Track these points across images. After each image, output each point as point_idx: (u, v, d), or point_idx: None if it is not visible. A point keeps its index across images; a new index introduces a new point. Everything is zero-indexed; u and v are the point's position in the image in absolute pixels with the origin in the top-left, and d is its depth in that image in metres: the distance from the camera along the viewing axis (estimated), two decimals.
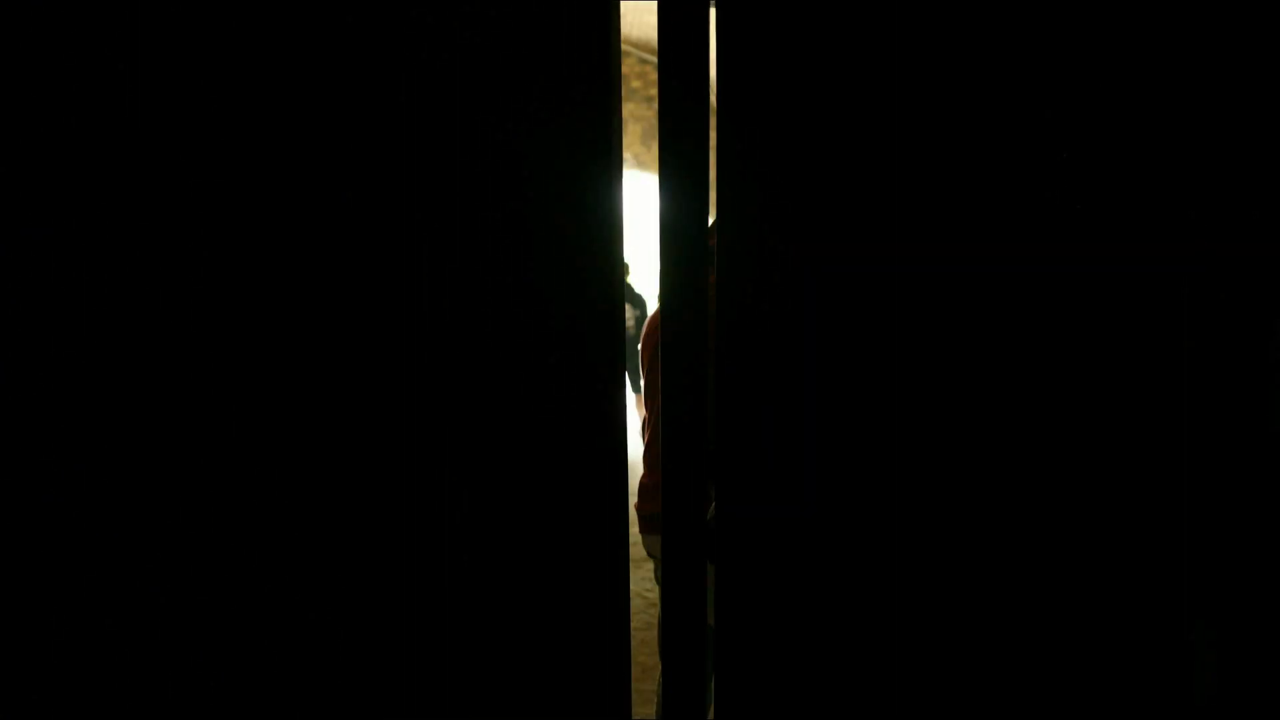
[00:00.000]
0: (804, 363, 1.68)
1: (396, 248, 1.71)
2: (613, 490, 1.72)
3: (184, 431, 1.85)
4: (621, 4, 2.97)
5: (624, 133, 8.64)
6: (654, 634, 3.85)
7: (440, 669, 1.79)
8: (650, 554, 2.96)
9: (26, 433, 1.83)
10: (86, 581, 1.87)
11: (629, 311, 10.88)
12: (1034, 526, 1.87)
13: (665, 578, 1.75)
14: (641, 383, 8.99)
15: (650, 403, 2.94)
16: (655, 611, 4.19)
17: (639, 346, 8.51)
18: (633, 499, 8.20)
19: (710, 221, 3.68)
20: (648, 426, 2.99)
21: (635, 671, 3.80)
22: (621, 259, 1.76)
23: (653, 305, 15.35)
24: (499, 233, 1.69)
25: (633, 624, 4.14)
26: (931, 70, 1.68)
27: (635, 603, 4.34)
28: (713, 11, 5.20)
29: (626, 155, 10.80)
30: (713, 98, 11.44)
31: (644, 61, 8.62)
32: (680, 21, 1.62)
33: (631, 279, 12.42)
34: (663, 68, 1.65)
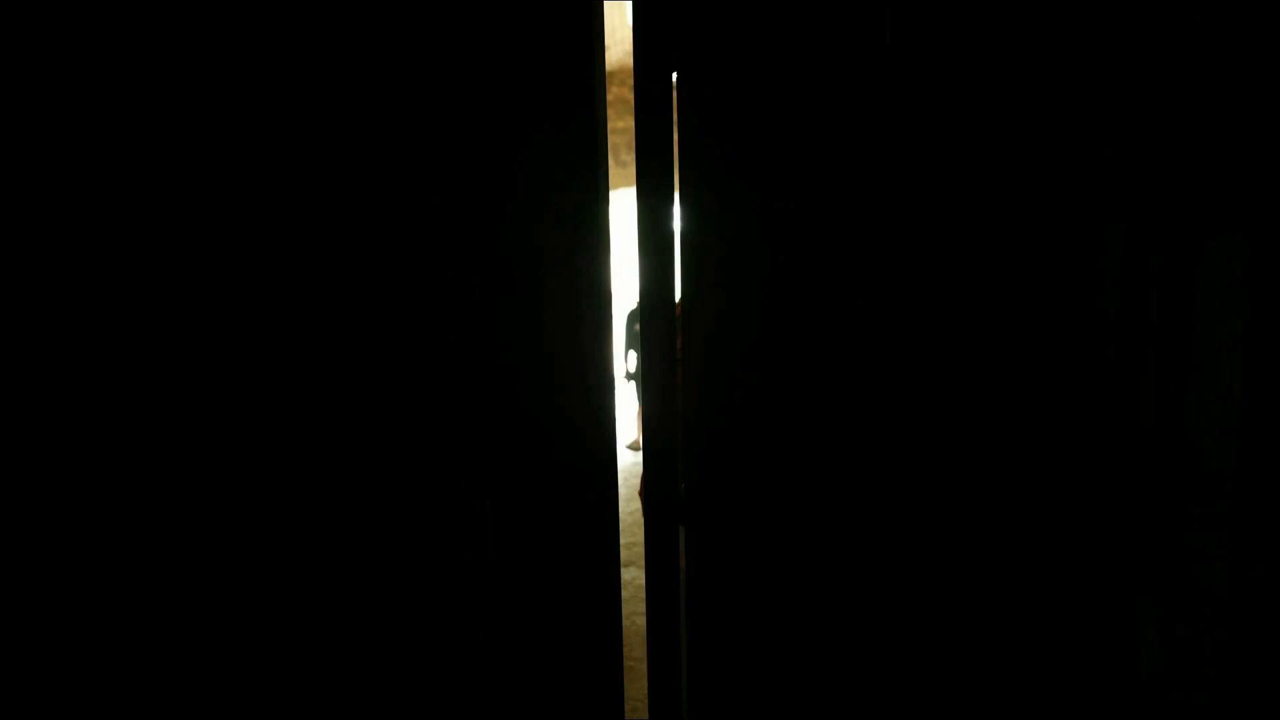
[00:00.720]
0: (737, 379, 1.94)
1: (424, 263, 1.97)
2: (605, 478, 1.97)
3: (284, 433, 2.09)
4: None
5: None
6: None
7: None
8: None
9: (27, 432, 1.95)
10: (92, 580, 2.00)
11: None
12: (983, 506, 2.13)
13: (648, 539, 2.01)
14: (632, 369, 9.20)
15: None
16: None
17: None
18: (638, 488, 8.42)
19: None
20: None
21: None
22: (608, 267, 2.01)
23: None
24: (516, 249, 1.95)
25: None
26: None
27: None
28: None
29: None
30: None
31: (623, 84, 8.95)
32: (651, 113, 1.88)
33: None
34: (639, 131, 1.91)
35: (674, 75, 1.89)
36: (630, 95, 8.09)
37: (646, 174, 1.92)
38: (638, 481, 8.13)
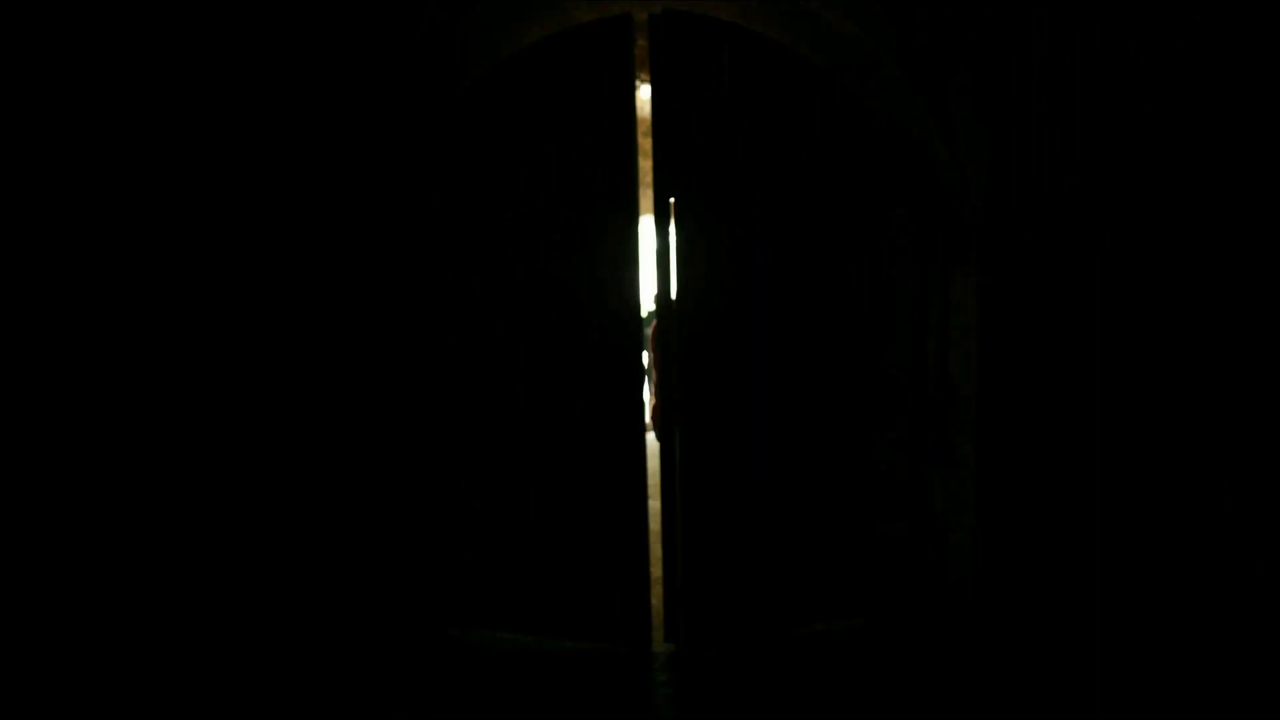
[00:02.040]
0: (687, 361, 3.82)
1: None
2: (629, 460, 3.84)
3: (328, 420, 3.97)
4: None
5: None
6: None
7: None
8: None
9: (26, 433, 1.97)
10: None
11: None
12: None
13: (662, 448, 3.88)
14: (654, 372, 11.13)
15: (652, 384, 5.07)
16: None
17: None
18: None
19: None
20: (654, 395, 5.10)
21: None
22: (636, 292, 3.88)
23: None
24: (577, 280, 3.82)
25: None
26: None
27: None
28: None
29: None
30: None
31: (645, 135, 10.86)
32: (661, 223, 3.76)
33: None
34: (658, 227, 3.79)
35: (671, 200, 3.75)
36: (646, 143, 10.02)
37: (660, 261, 3.81)
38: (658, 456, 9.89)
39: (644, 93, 4.78)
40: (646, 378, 11.11)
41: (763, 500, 3.99)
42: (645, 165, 5.65)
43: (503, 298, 3.88)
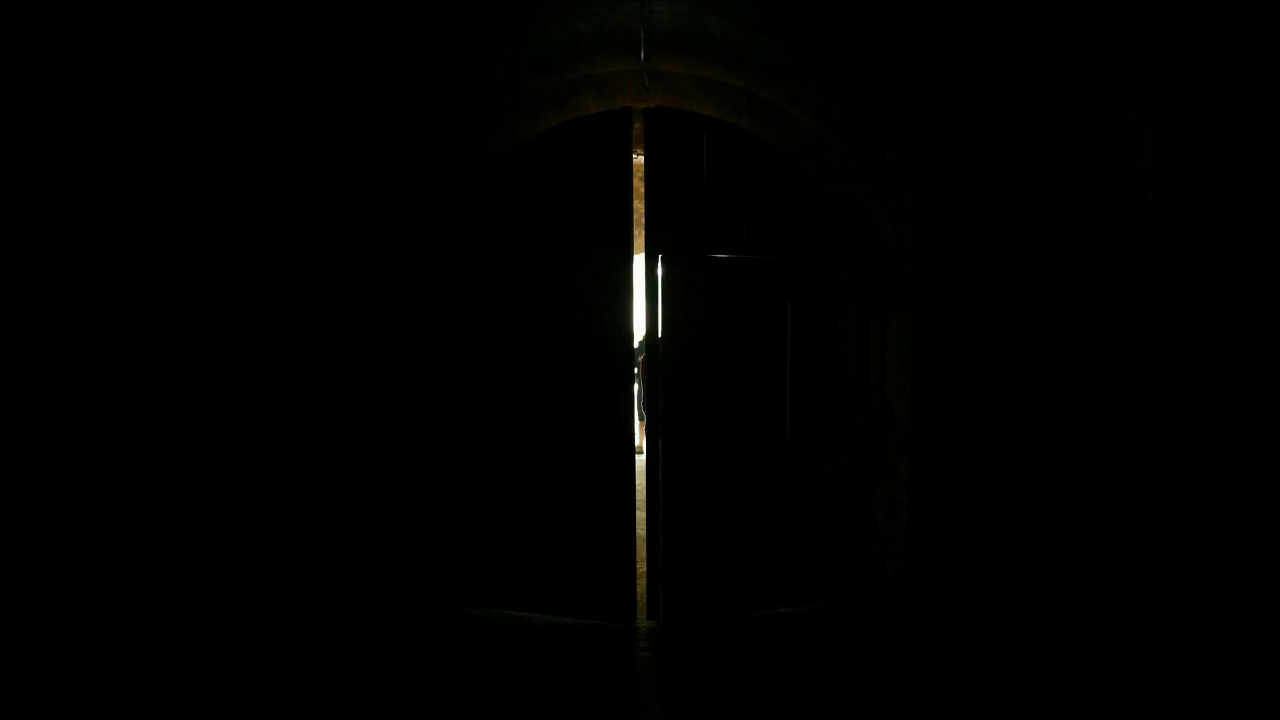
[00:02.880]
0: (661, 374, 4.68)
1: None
2: (621, 453, 4.67)
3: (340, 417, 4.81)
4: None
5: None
6: None
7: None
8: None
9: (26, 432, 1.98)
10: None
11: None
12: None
13: (647, 457, 4.71)
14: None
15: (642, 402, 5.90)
16: None
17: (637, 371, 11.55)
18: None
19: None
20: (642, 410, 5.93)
21: None
22: (630, 328, 4.73)
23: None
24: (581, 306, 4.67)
25: None
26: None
27: None
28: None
29: None
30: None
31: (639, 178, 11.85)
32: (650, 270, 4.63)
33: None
34: (648, 274, 4.67)
35: (658, 255, 4.62)
36: (640, 185, 10.79)
37: (649, 296, 4.68)
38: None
39: (639, 158, 5.68)
40: (637, 404, 11.98)
41: (733, 502, 4.81)
42: (641, 218, 6.54)
43: (517, 331, 4.73)
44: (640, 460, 11.82)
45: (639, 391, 12.37)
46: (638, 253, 6.88)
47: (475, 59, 3.94)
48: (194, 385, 3.06)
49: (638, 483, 7.72)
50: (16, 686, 2.09)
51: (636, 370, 11.70)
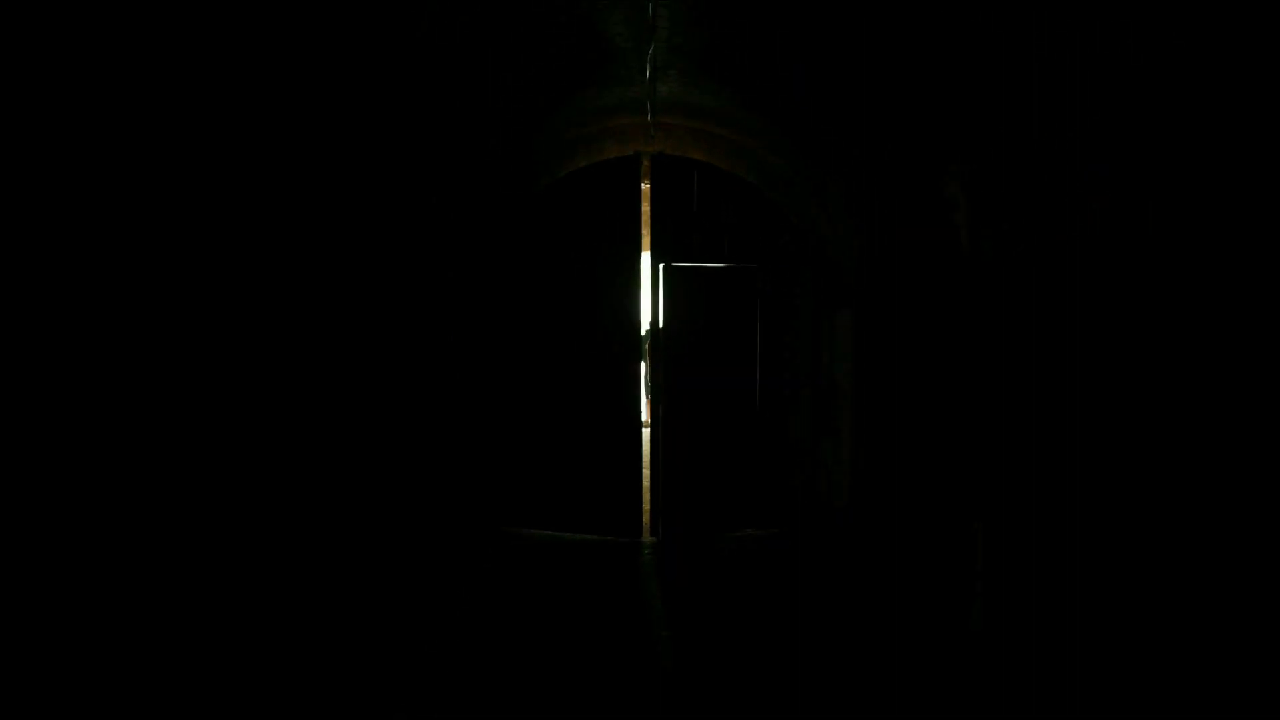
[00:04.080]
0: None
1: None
2: (630, 423, 6.19)
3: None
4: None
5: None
6: None
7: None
8: None
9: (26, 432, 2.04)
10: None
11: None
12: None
13: (651, 418, 6.26)
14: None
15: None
16: None
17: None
18: None
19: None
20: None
21: None
22: (639, 318, 6.25)
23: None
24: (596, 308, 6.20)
25: None
26: None
27: None
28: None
29: None
30: None
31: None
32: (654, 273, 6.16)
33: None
34: (653, 280, 6.20)
35: (660, 265, 6.14)
36: (646, 209, 12.11)
37: (653, 295, 6.21)
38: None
39: (646, 186, 7.18)
40: (644, 383, 13.48)
41: (715, 454, 6.36)
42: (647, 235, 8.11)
43: (551, 316, 6.27)
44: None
45: (645, 372, 13.92)
46: (644, 261, 8.44)
47: (532, 123, 5.47)
48: (322, 371, 4.61)
49: (644, 436, 9.36)
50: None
51: (645, 352, 13.38)
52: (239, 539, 3.37)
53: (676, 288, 6.22)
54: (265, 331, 3.54)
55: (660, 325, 6.27)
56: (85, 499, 2.51)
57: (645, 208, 6.99)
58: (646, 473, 8.27)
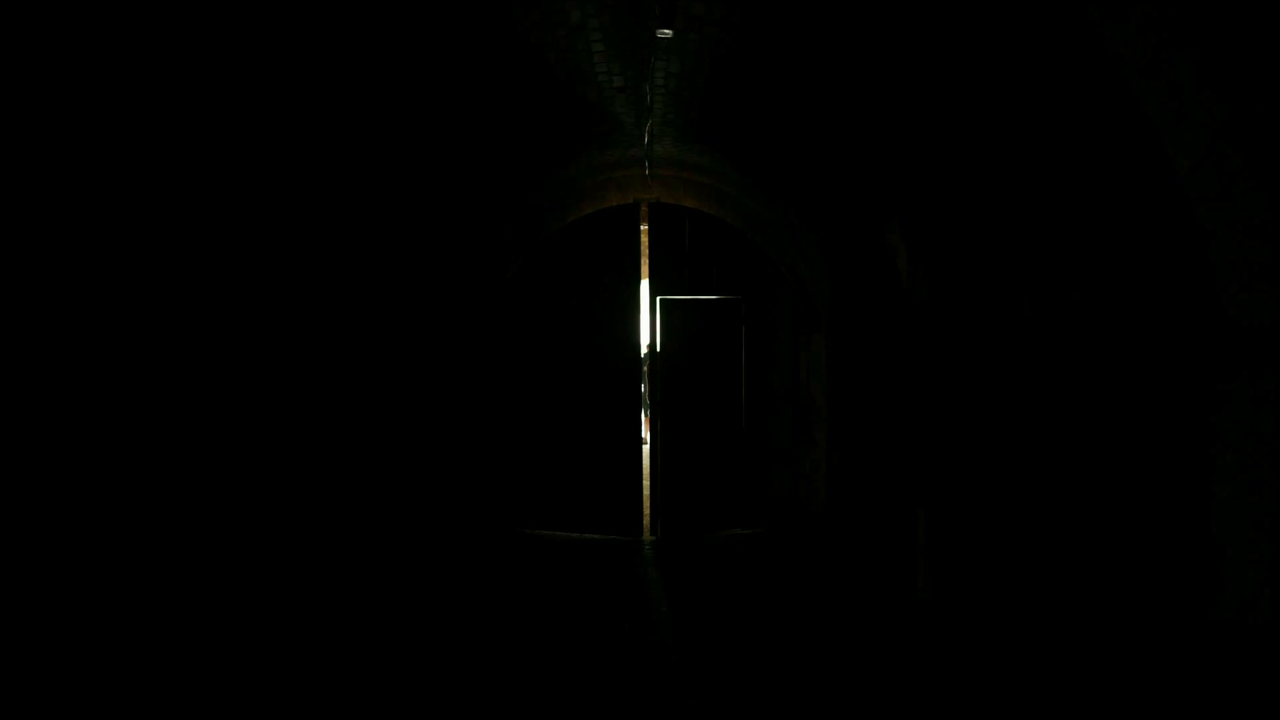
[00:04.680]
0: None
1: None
2: (632, 437, 7.07)
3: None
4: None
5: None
6: None
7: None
8: None
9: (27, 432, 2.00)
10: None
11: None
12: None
13: (650, 430, 7.14)
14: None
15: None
16: None
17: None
18: None
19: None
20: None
21: None
22: (639, 343, 7.15)
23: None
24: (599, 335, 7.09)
25: None
26: None
27: None
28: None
29: None
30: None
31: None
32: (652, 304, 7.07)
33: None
34: (649, 305, 7.11)
35: (657, 298, 7.04)
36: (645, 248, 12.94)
37: (651, 323, 7.11)
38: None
39: (645, 226, 8.11)
40: (644, 398, 14.29)
41: (706, 463, 7.24)
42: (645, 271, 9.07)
43: (559, 340, 7.17)
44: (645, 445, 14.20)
45: (645, 390, 14.71)
46: (644, 293, 9.33)
47: (545, 175, 6.40)
48: (388, 401, 5.49)
49: (644, 449, 10.20)
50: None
51: (644, 372, 14.35)
52: (312, 537, 4.23)
53: (671, 318, 7.13)
54: (335, 374, 4.43)
55: (658, 349, 7.17)
56: (166, 506, 3.38)
57: (644, 244, 7.91)
58: (646, 480, 9.14)
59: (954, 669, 4.07)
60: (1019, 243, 3.62)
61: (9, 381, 1.90)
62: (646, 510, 7.63)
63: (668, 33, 3.70)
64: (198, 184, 3.01)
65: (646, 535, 7.26)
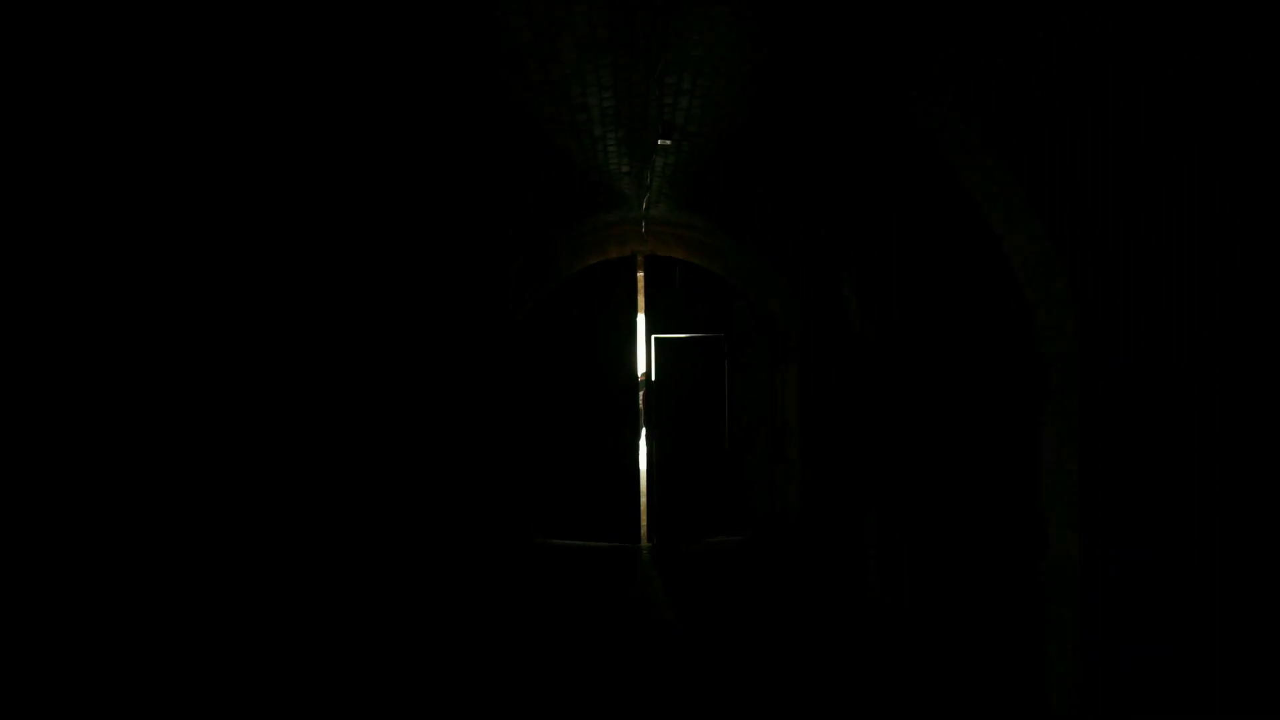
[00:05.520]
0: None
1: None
2: (630, 457, 8.17)
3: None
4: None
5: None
6: None
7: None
8: None
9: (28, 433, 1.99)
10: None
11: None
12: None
13: (646, 455, 8.26)
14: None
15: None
16: None
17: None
18: None
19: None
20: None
21: None
22: (636, 375, 8.27)
23: None
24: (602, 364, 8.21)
25: None
26: None
27: None
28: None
29: None
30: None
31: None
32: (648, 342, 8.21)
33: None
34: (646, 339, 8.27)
35: (652, 336, 8.19)
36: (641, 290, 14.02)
37: (647, 358, 8.25)
38: None
39: (641, 274, 9.28)
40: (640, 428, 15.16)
41: (694, 479, 8.35)
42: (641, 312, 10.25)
43: (565, 371, 8.28)
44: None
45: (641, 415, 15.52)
46: (640, 331, 10.50)
47: (560, 233, 7.56)
48: (427, 429, 6.58)
49: (641, 468, 11.27)
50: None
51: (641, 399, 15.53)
52: (374, 541, 5.29)
53: (664, 353, 8.28)
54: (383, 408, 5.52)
55: (653, 380, 8.31)
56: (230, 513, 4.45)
57: (640, 289, 9.05)
58: (643, 494, 10.21)
59: (893, 640, 5.18)
60: (922, 305, 4.80)
61: (11, 382, 1.85)
62: (644, 520, 8.70)
63: (667, 142, 4.88)
64: (278, 238, 4.12)
65: (644, 542, 8.32)
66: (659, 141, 4.90)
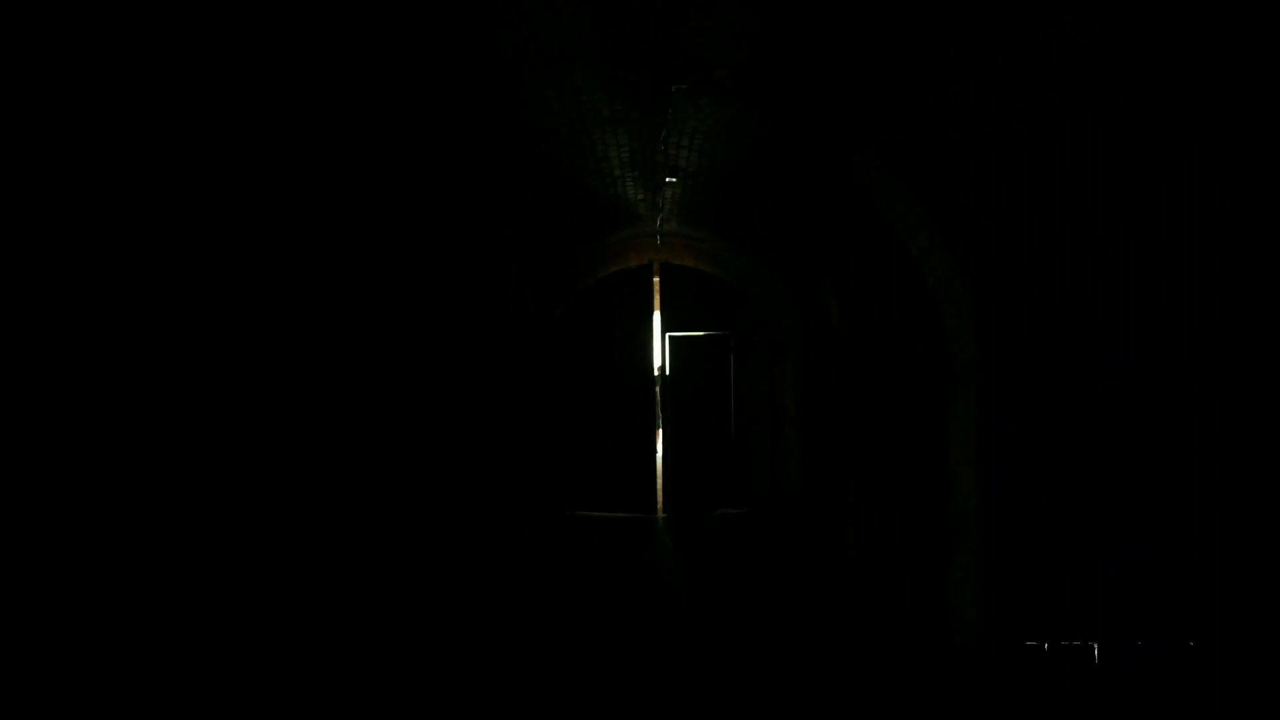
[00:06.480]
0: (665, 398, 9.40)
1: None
2: (649, 441, 9.34)
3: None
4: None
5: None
6: None
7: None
8: None
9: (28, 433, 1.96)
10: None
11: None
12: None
13: (661, 439, 9.43)
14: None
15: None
16: None
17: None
18: None
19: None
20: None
21: None
22: (652, 369, 9.43)
23: None
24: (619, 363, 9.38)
25: None
26: None
27: None
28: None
29: None
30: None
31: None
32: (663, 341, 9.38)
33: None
34: (662, 348, 9.44)
35: (667, 334, 9.34)
36: (656, 293, 15.14)
37: (662, 351, 9.42)
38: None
39: (656, 279, 10.43)
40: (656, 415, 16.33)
41: (705, 460, 9.52)
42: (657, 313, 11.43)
43: (589, 366, 9.47)
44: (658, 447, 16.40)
45: (657, 403, 16.62)
46: (655, 330, 11.66)
47: (584, 247, 8.75)
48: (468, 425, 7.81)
49: (658, 449, 12.44)
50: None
51: (657, 390, 16.71)
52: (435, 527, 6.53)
53: (677, 349, 9.44)
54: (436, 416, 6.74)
55: (667, 373, 9.48)
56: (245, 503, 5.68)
57: (656, 293, 10.21)
58: (660, 473, 11.43)
59: (859, 590, 6.33)
60: (878, 312, 5.93)
61: (13, 382, 1.81)
62: (660, 496, 9.89)
63: (674, 179, 6.04)
64: (333, 265, 5.34)
65: (660, 514, 9.51)
66: (667, 180, 6.06)
